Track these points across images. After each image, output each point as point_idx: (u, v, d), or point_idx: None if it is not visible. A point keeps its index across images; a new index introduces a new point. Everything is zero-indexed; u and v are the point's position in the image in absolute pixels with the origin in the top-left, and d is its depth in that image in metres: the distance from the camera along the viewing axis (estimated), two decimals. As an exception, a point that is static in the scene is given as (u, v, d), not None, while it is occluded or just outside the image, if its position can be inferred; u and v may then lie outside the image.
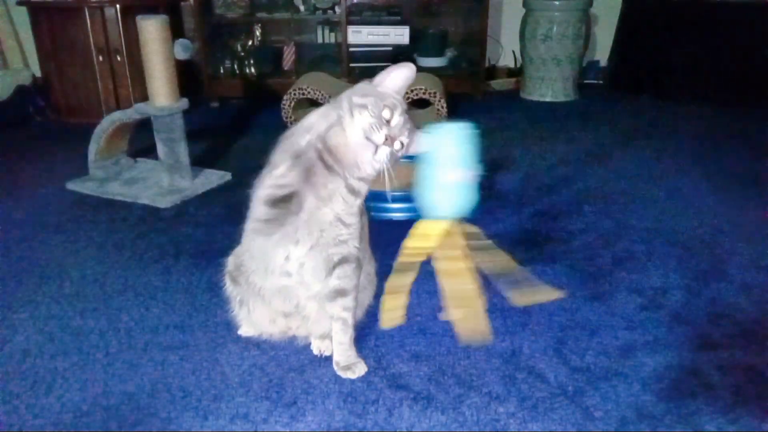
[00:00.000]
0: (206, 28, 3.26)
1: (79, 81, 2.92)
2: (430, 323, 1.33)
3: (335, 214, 1.08)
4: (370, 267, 1.25)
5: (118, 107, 2.81)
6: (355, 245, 1.12)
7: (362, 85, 1.07)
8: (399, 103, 1.04)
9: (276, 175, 1.03)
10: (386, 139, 1.02)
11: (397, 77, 1.06)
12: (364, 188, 1.10)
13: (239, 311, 1.25)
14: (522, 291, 1.29)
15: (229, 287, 1.25)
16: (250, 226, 1.12)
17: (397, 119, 1.03)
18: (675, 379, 1.15)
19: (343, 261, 1.12)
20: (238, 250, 1.23)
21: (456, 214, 1.06)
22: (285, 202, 1.03)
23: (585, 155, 2.49)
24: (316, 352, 1.23)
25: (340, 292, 1.13)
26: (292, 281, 1.14)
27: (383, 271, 1.32)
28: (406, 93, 2.95)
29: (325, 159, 1.04)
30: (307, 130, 1.06)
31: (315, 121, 1.07)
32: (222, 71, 3.40)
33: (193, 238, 1.75)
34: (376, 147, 1.02)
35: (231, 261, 1.25)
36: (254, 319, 1.23)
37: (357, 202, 1.10)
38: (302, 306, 1.18)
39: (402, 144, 1.04)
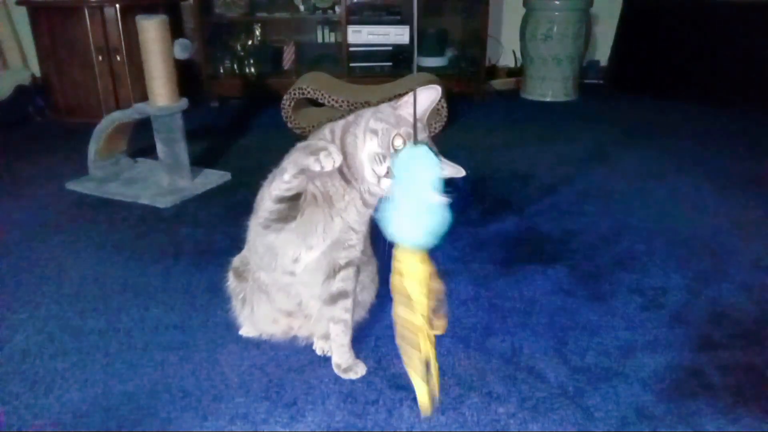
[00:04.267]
0: (206, 28, 3.26)
1: (78, 81, 2.92)
2: (430, 323, 1.33)
3: (346, 223, 1.09)
4: (371, 266, 1.25)
5: (118, 107, 2.81)
6: (360, 249, 1.13)
7: (383, 107, 1.05)
8: (419, 131, 1.00)
9: (284, 179, 1.02)
10: (388, 172, 1.00)
11: (424, 100, 1.04)
12: (375, 201, 1.10)
13: (241, 311, 1.25)
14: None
15: (233, 284, 1.25)
16: (258, 220, 1.11)
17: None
18: (675, 380, 1.15)
19: (348, 264, 1.13)
20: (244, 250, 1.23)
21: (429, 241, 0.91)
22: (291, 200, 1.04)
23: (585, 155, 2.49)
24: (319, 352, 1.23)
25: (342, 294, 1.14)
26: (294, 280, 1.14)
27: (386, 273, 1.33)
28: (406, 93, 2.94)
29: (342, 170, 1.04)
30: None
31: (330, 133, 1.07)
32: (222, 71, 3.40)
33: (193, 238, 1.75)
34: (379, 177, 1.01)
35: (237, 258, 1.25)
36: (256, 318, 1.23)
37: (369, 212, 1.10)
38: (305, 304, 1.18)
39: None
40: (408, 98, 1.03)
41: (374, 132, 1.01)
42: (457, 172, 1.05)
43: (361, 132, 1.02)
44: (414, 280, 0.94)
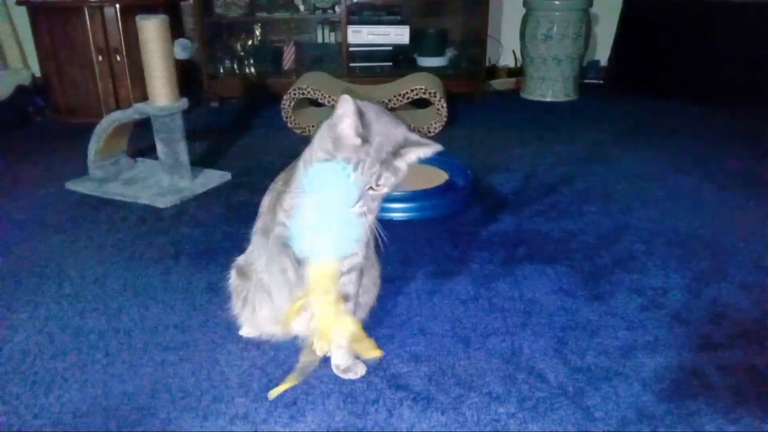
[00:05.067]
0: (206, 28, 3.26)
1: (78, 81, 2.92)
2: (430, 323, 1.33)
3: None
4: (374, 270, 1.26)
5: (118, 107, 2.81)
6: (362, 256, 1.13)
7: (323, 131, 1.00)
8: (362, 157, 0.95)
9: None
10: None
11: (341, 114, 0.95)
12: (373, 209, 1.08)
13: (242, 311, 1.25)
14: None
15: (235, 281, 1.25)
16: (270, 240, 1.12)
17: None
18: (675, 380, 1.15)
19: (350, 270, 1.13)
20: (248, 250, 1.24)
21: (341, 254, 0.95)
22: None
23: (585, 155, 2.49)
24: (318, 352, 1.22)
25: (344, 297, 1.13)
26: (298, 282, 1.14)
27: (386, 273, 1.33)
28: (406, 93, 2.94)
29: None
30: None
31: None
32: (222, 71, 3.40)
33: (193, 238, 1.75)
34: None
35: (242, 257, 1.25)
36: (258, 318, 1.23)
37: (365, 221, 1.08)
38: (306, 304, 1.18)
39: (373, 188, 0.99)
40: (341, 110, 0.95)
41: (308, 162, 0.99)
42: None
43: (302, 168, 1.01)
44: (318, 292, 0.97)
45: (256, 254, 1.20)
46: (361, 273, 1.16)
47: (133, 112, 2.06)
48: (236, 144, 2.65)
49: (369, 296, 1.26)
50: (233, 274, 1.26)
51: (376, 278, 1.27)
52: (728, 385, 1.14)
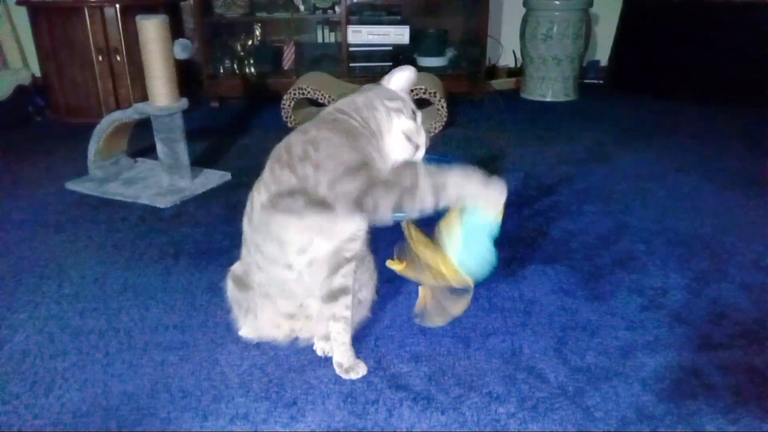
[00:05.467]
0: (206, 28, 3.26)
1: (78, 81, 2.92)
2: (430, 323, 1.33)
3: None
4: (368, 262, 1.24)
5: (118, 107, 2.81)
6: (362, 242, 1.13)
7: (381, 88, 1.13)
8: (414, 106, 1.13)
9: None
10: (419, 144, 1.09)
11: (400, 79, 1.15)
12: None
13: (244, 320, 1.23)
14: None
15: (233, 293, 1.22)
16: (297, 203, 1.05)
17: (419, 121, 1.12)
18: (675, 380, 1.15)
19: (351, 258, 1.12)
20: (243, 255, 1.20)
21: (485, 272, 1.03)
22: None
23: (585, 155, 2.49)
24: (320, 353, 1.23)
25: (343, 290, 1.13)
26: (292, 276, 1.11)
27: (386, 273, 1.33)
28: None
29: None
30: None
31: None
32: (222, 71, 3.40)
33: (193, 238, 1.75)
34: (416, 148, 1.09)
35: (238, 266, 1.23)
36: (260, 324, 1.22)
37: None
38: (306, 305, 1.18)
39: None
40: (387, 79, 1.14)
41: (398, 110, 1.09)
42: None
43: (384, 113, 1.08)
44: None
45: (251, 259, 1.16)
46: (356, 264, 1.15)
47: (133, 112, 2.06)
48: (236, 144, 2.65)
49: (368, 291, 1.25)
50: (230, 284, 1.23)
51: (372, 270, 1.25)
52: (728, 385, 1.14)
